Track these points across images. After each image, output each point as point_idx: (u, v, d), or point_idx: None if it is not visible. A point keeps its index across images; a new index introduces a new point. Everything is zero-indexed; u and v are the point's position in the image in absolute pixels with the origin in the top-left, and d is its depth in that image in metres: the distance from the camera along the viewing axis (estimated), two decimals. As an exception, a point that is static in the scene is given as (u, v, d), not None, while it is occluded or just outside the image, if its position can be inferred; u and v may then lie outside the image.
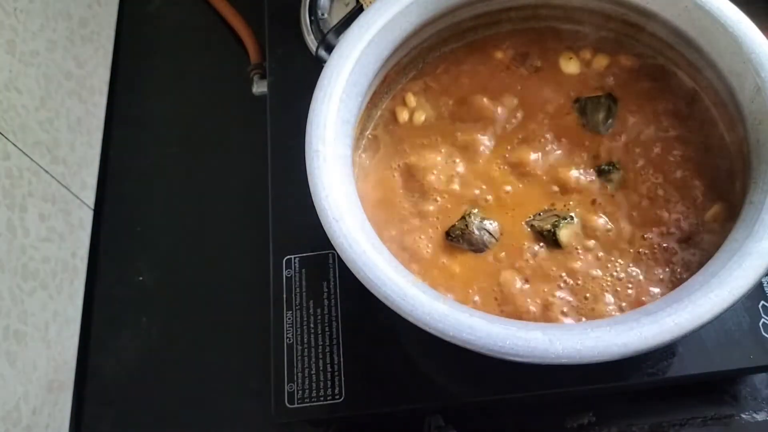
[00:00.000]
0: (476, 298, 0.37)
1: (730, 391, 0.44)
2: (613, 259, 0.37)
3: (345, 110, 0.37)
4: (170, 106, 0.62)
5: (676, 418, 0.43)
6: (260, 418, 0.47)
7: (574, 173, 0.39)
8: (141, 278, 0.54)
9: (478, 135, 0.41)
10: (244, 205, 0.55)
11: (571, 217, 0.38)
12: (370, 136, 0.42)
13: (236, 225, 0.55)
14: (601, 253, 0.37)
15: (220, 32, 0.63)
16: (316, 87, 0.37)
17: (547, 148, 0.40)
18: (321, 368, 0.41)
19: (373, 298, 0.32)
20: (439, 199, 0.39)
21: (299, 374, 0.41)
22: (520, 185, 0.40)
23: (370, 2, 0.44)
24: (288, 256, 0.44)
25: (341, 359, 0.41)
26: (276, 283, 0.43)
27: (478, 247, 0.38)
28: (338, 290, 0.43)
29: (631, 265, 0.37)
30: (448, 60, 0.44)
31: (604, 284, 0.37)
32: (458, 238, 0.38)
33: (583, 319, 0.36)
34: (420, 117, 0.42)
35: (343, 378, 0.40)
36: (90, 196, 0.57)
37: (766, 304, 0.40)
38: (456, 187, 0.40)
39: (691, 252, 0.37)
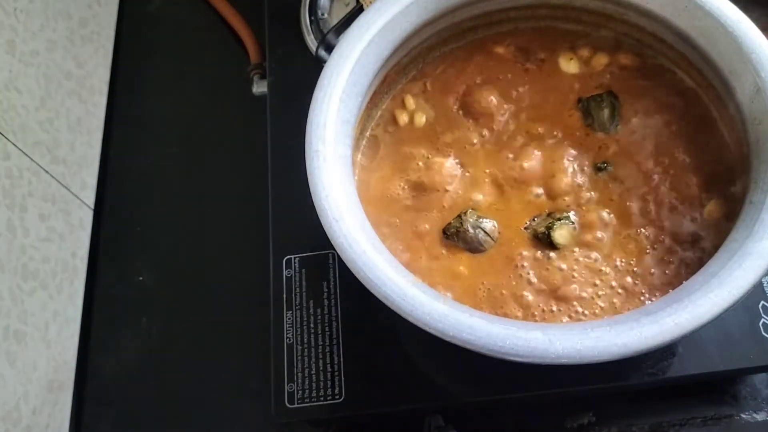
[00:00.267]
0: (474, 298, 0.37)
1: (730, 391, 0.44)
2: (611, 259, 0.37)
3: (345, 110, 0.37)
4: (170, 106, 0.62)
5: (676, 418, 0.43)
6: (260, 418, 0.47)
7: (574, 173, 0.39)
8: (141, 278, 0.54)
9: (479, 135, 0.41)
10: (244, 205, 0.55)
11: (568, 218, 0.38)
12: (370, 136, 0.42)
13: (236, 225, 0.55)
14: (599, 254, 0.37)
15: (220, 32, 0.63)
16: (316, 87, 0.37)
17: (547, 148, 0.40)
18: (321, 368, 0.41)
19: (373, 298, 0.32)
20: (439, 199, 0.39)
21: (299, 374, 0.41)
22: (520, 185, 0.40)
23: (370, 2, 0.44)
24: (288, 256, 0.44)
25: (341, 359, 0.41)
26: (276, 283, 0.43)
27: (473, 246, 0.38)
28: (338, 290, 0.43)
29: (630, 264, 0.37)
30: (448, 60, 0.44)
31: (603, 284, 0.37)
32: (453, 236, 0.38)
33: (583, 319, 0.36)
34: (420, 119, 0.42)
35: (343, 378, 0.40)
36: (90, 196, 0.57)
37: (766, 304, 0.40)
38: (456, 187, 0.40)
39: (691, 252, 0.37)
